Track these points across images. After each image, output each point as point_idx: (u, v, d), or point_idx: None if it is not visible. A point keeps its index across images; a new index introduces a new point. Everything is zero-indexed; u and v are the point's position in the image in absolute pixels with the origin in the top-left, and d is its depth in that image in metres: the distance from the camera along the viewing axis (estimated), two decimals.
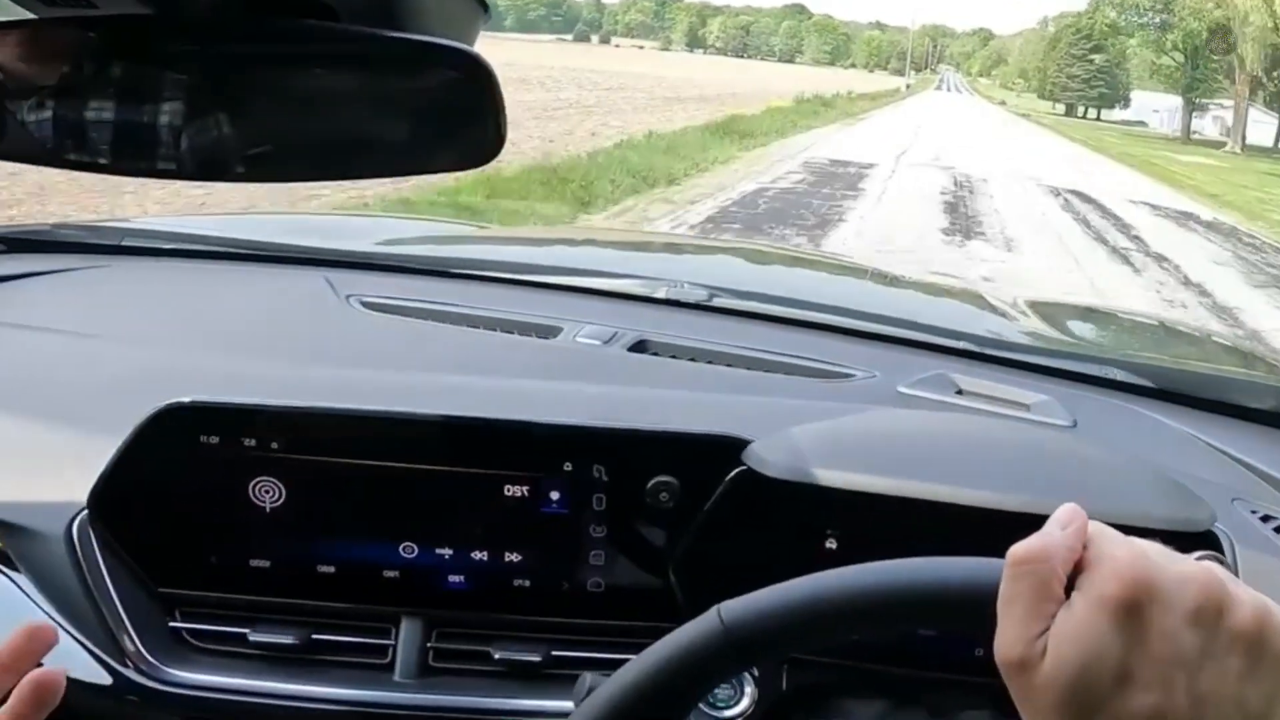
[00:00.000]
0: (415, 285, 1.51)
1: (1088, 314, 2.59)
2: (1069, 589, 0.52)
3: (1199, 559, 0.52)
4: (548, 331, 1.36)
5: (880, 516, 1.00)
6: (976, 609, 0.55)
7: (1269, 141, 41.13)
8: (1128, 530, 0.54)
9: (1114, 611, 0.49)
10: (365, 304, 1.40)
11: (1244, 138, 38.44)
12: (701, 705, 1.02)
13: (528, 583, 1.04)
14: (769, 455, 1.02)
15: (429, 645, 1.04)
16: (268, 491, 1.01)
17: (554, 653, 1.03)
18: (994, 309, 2.04)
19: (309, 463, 1.01)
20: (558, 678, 1.01)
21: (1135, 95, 64.88)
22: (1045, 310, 2.08)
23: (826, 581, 0.61)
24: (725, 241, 5.91)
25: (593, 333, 1.34)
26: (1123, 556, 0.51)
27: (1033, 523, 0.54)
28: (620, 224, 9.94)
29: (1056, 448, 1.14)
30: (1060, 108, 67.89)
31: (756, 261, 2.45)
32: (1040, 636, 0.51)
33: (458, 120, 0.62)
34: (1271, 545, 1.05)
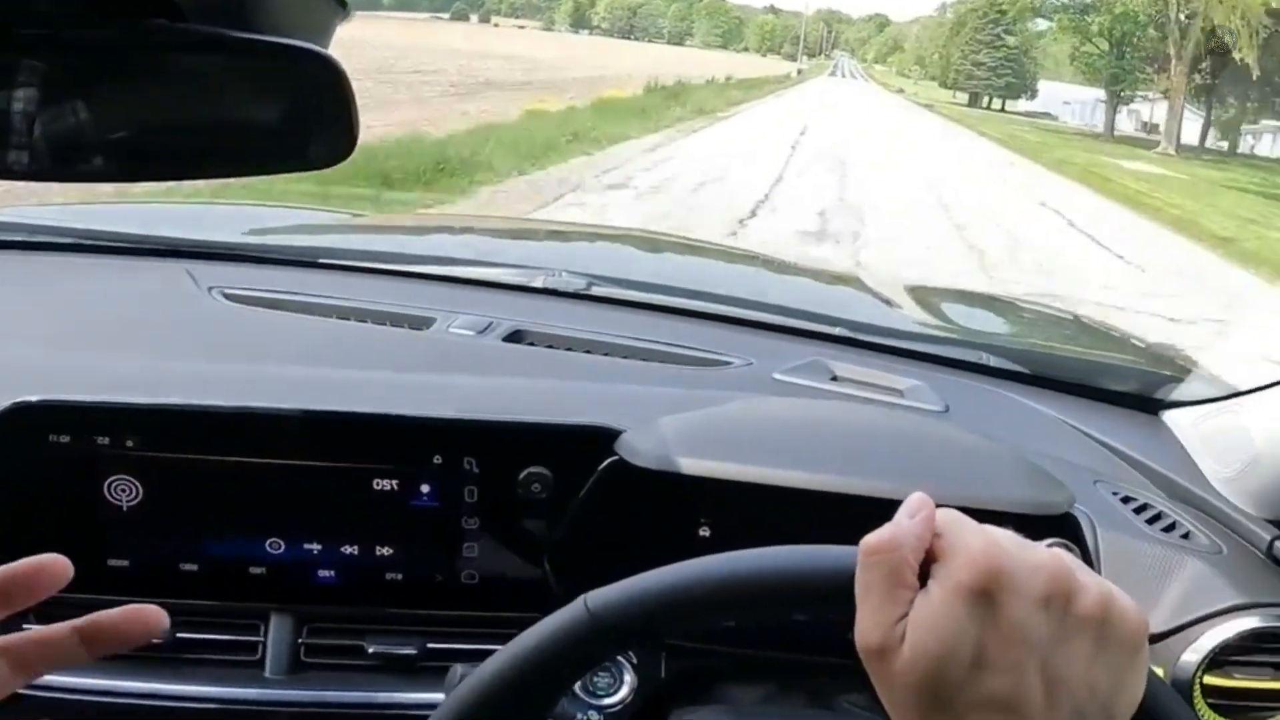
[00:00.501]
0: (282, 276, 1.46)
1: (965, 299, 2.64)
2: (925, 575, 0.53)
3: (1049, 546, 0.54)
4: (420, 322, 1.34)
5: (752, 504, 1.00)
6: (839, 596, 0.56)
7: (1194, 139, 37.30)
8: (989, 514, 0.55)
9: (968, 599, 0.51)
10: (228, 296, 1.35)
11: (1179, 137, 34.35)
12: (581, 694, 1.02)
13: (400, 576, 1.03)
14: (641, 445, 1.02)
15: (300, 641, 1.02)
16: (124, 490, 0.98)
17: (429, 645, 1.03)
18: (873, 294, 2.07)
19: (167, 460, 0.98)
20: (433, 670, 1.01)
21: (1043, 85, 64.08)
22: (923, 296, 2.12)
23: (690, 569, 0.61)
24: (613, 229, 5.86)
25: (467, 323, 1.33)
26: (976, 545, 0.52)
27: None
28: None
29: (926, 433, 1.16)
30: (962, 97, 66.93)
31: (644, 249, 2.44)
32: (898, 623, 0.52)
33: (308, 121, 0.61)
34: (1131, 526, 1.09)
